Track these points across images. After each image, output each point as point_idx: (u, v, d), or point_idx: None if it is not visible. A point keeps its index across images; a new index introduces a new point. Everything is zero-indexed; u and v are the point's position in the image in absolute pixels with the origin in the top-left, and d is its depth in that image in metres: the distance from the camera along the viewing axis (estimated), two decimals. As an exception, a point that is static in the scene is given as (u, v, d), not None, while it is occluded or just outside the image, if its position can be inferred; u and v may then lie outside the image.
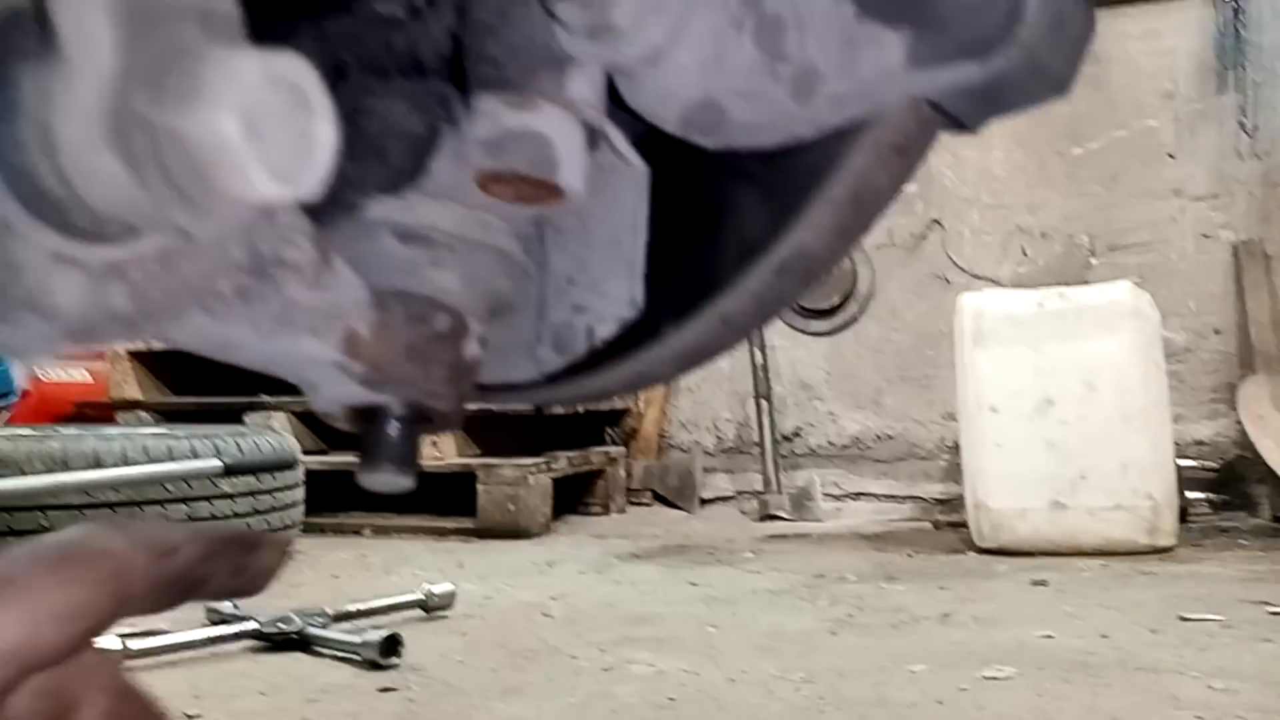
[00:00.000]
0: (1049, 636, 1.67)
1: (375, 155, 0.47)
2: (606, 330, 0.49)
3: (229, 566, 0.34)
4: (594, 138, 0.47)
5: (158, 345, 3.70)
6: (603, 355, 0.51)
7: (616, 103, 0.48)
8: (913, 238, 3.58)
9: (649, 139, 0.49)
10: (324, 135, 0.31)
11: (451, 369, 0.44)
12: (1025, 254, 3.46)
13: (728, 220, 0.49)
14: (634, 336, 0.50)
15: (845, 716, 1.28)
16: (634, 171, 0.48)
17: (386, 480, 0.44)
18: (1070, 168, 3.41)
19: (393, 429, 0.43)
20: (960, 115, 0.45)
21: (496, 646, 1.66)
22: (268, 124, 0.29)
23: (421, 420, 0.44)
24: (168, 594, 0.31)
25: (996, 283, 3.42)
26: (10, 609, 0.25)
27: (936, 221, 3.56)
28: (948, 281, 3.53)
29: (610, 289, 0.49)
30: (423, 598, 1.86)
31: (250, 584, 0.36)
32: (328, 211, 0.46)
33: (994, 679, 1.43)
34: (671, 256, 0.49)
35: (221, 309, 0.35)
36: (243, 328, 0.36)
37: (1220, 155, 3.24)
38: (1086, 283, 3.15)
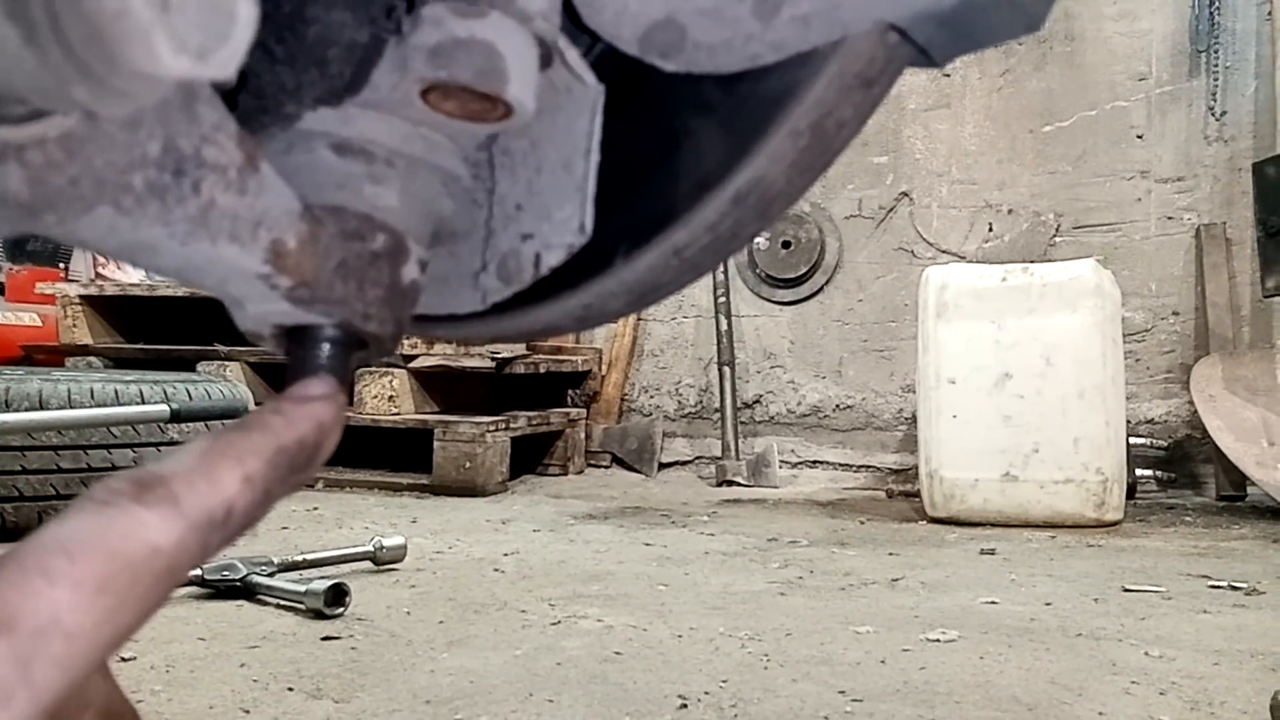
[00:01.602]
0: (994, 603, 1.69)
1: (314, 64, 0.44)
2: (554, 258, 0.47)
3: (285, 490, 0.30)
4: (547, 54, 0.44)
5: (111, 291, 3.61)
6: (550, 286, 0.49)
7: (572, 20, 0.46)
8: (881, 210, 3.59)
9: (604, 59, 0.46)
10: (242, 12, 0.29)
11: (388, 291, 0.42)
12: (991, 230, 3.47)
13: (684, 148, 0.47)
14: (583, 267, 0.49)
15: (788, 673, 1.29)
16: (588, 91, 0.46)
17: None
18: (1040, 145, 3.42)
19: (323, 351, 0.41)
20: (928, 45, 0.43)
21: (445, 600, 1.65)
22: None
23: (355, 344, 0.42)
24: (212, 554, 0.27)
25: (962, 258, 3.44)
26: (51, 658, 0.22)
27: (905, 194, 3.56)
28: (914, 255, 3.54)
29: (559, 215, 0.47)
30: (373, 550, 1.85)
31: (306, 481, 0.32)
32: (261, 120, 0.44)
33: (937, 641, 1.44)
34: (624, 184, 0.48)
35: (133, 206, 0.32)
36: (157, 229, 0.34)
37: (1188, 138, 3.27)
38: (1050, 260, 3.18)
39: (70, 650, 0.22)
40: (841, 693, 1.21)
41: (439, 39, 0.41)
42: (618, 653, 1.36)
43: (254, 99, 0.44)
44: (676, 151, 0.47)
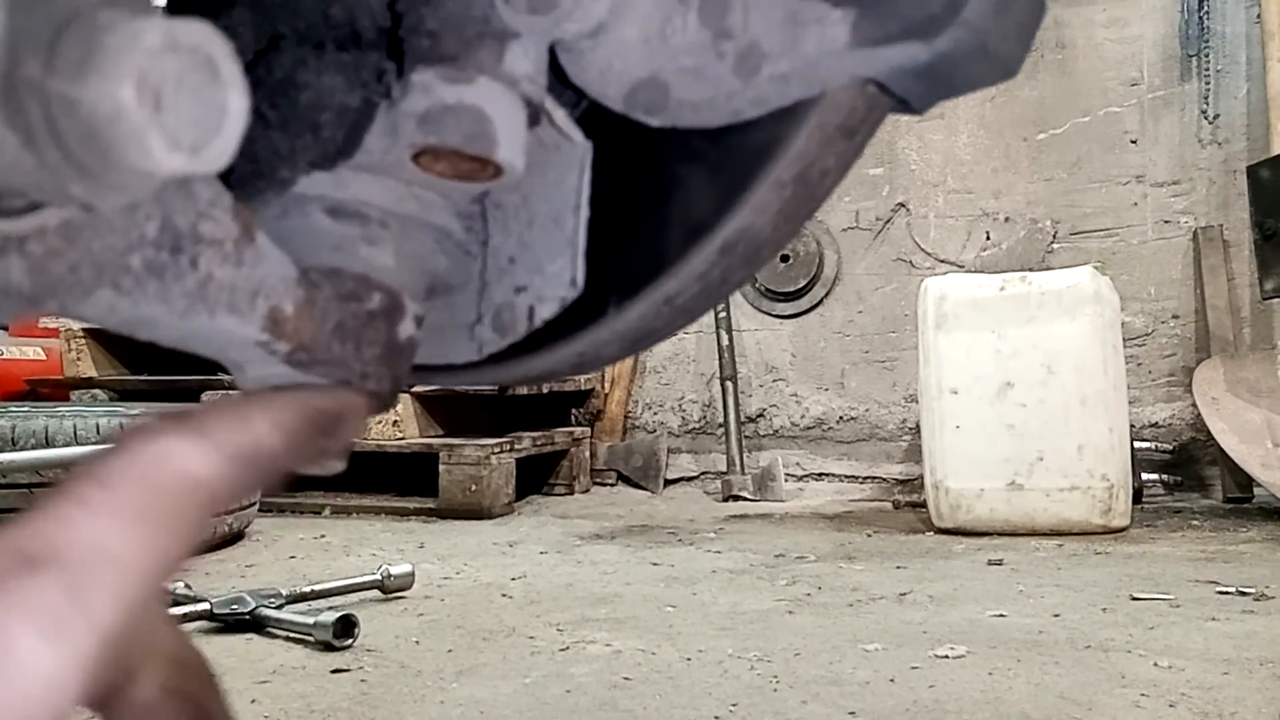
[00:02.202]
0: (1002, 615, 1.69)
1: (307, 129, 0.45)
2: (548, 310, 0.48)
3: (311, 450, 0.31)
4: (535, 114, 0.45)
5: (113, 321, 3.63)
6: (544, 336, 0.50)
7: (559, 78, 0.47)
8: (878, 221, 3.60)
9: (591, 116, 0.47)
10: (234, 106, 0.29)
11: (385, 349, 0.43)
12: (989, 238, 3.48)
13: (672, 200, 0.48)
14: (576, 317, 0.49)
15: (798, 694, 1.29)
16: (576, 148, 0.47)
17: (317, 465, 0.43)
18: (1035, 153, 3.43)
19: (323, 411, 0.42)
20: (907, 96, 0.44)
21: (454, 628, 1.65)
22: (171, 93, 0.28)
23: (354, 402, 0.43)
24: (243, 494, 0.28)
25: (960, 267, 3.45)
26: (102, 586, 0.22)
27: (902, 205, 3.57)
28: (912, 265, 3.55)
29: (551, 268, 0.48)
30: (380, 579, 1.85)
31: (330, 459, 0.33)
32: (256, 186, 0.45)
33: (946, 658, 1.44)
34: (614, 236, 0.48)
35: (132, 286, 0.33)
36: (156, 306, 0.35)
37: (1182, 142, 3.28)
38: (1049, 267, 3.19)
39: (119, 578, 0.22)
40: (851, 714, 1.21)
41: (428, 105, 0.42)
42: (627, 678, 1.37)
43: (249, 164, 0.45)
44: (665, 203, 0.48)
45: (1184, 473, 3.12)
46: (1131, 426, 2.70)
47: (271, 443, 0.28)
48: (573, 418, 3.87)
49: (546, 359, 0.51)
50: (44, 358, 4.12)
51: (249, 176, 0.45)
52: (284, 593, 1.69)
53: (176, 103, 0.28)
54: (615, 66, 0.45)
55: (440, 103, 0.42)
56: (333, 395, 0.34)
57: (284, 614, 1.59)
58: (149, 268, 0.34)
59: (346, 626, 1.51)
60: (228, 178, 0.39)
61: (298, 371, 0.40)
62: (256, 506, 2.52)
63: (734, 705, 1.25)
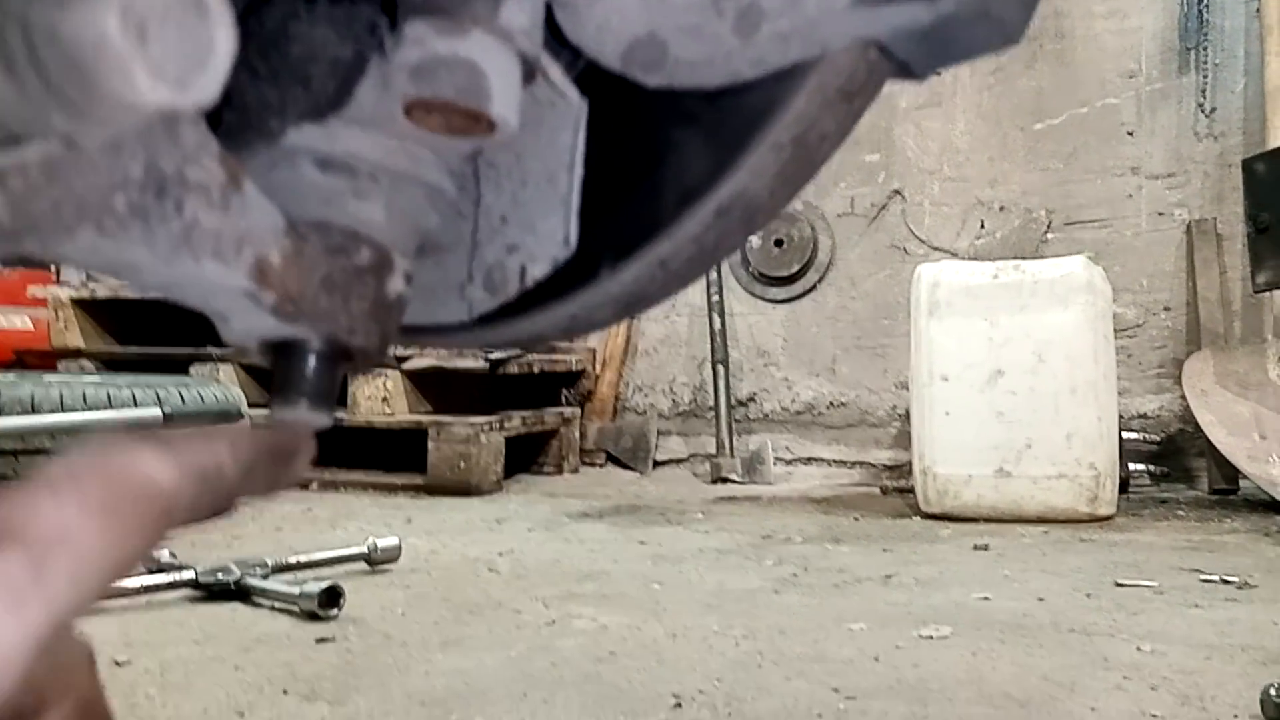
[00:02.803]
0: (986, 599, 1.70)
1: (298, 81, 0.45)
2: (539, 270, 0.48)
3: (265, 479, 0.32)
4: (530, 70, 0.45)
5: (103, 293, 3.61)
6: (536, 297, 0.49)
7: (554, 36, 0.46)
8: (873, 208, 3.59)
9: (587, 75, 0.47)
10: (220, 43, 0.29)
11: (373, 305, 0.43)
12: (983, 227, 3.48)
13: (667, 162, 0.47)
14: (569, 279, 0.49)
15: (782, 671, 1.29)
16: (571, 106, 0.46)
17: (302, 418, 0.42)
18: (1031, 142, 3.43)
19: (309, 365, 0.42)
20: (908, 60, 0.43)
21: (440, 600, 1.65)
22: (156, 26, 0.27)
23: (341, 357, 0.43)
24: (199, 517, 0.29)
25: (954, 255, 3.44)
26: (61, 568, 0.22)
27: (898, 192, 3.57)
28: (906, 252, 3.55)
29: (544, 227, 0.47)
30: (367, 551, 1.85)
31: (281, 488, 0.34)
32: (245, 137, 0.44)
33: (930, 638, 1.45)
34: (609, 197, 0.48)
35: (115, 227, 0.33)
36: (140, 249, 0.34)
37: (1178, 135, 3.28)
38: (1042, 257, 3.19)
39: (79, 565, 0.22)
40: (835, 690, 1.22)
41: (422, 57, 0.42)
42: (612, 652, 1.37)
43: (238, 115, 0.44)
44: (660, 165, 0.47)
45: (1170, 464, 3.14)
46: (1120, 417, 2.71)
47: (231, 468, 0.29)
48: (563, 398, 3.87)
49: (538, 320, 0.51)
50: (31, 328, 4.10)
51: (237, 127, 0.44)
52: (270, 563, 1.68)
53: (162, 35, 0.27)
54: (612, 23, 0.44)
55: (433, 55, 0.41)
56: (288, 432, 0.35)
57: (269, 584, 1.59)
58: (133, 210, 0.33)
59: (332, 597, 1.51)
60: (216, 128, 0.39)
61: (284, 324, 0.40)
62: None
63: (718, 680, 1.26)
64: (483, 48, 0.42)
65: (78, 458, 0.25)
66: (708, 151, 0.46)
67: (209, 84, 0.28)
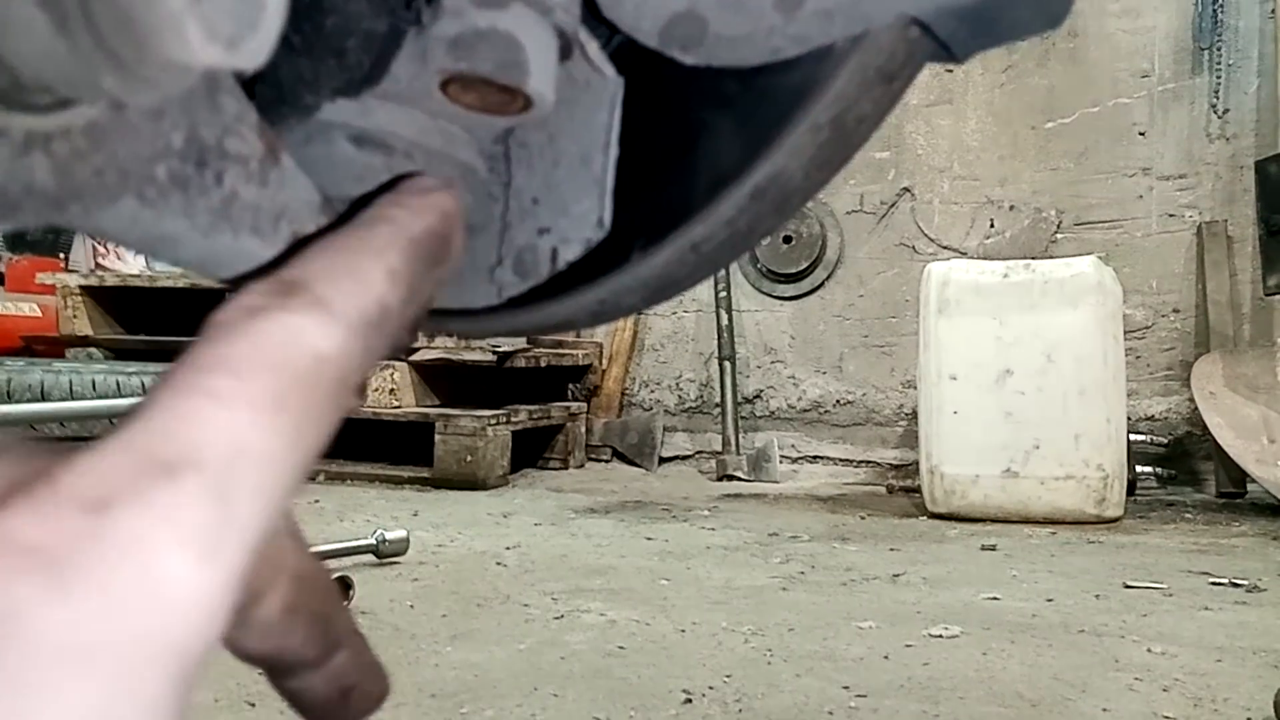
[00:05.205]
0: (995, 599, 1.69)
1: (332, 54, 0.44)
2: (571, 253, 0.47)
3: (428, 289, 0.27)
4: (566, 46, 0.44)
5: (111, 281, 3.61)
6: (566, 281, 0.48)
7: (591, 11, 0.46)
8: (883, 205, 3.58)
9: (623, 52, 0.46)
10: (272, 2, 0.28)
11: (406, 284, 0.42)
12: (993, 226, 3.47)
13: (701, 143, 0.47)
14: (600, 263, 0.48)
15: (792, 668, 1.29)
16: (607, 84, 0.45)
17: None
18: (1042, 141, 3.42)
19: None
20: (949, 40, 0.43)
21: (448, 593, 1.65)
22: None
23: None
24: (373, 372, 0.24)
25: (964, 254, 3.44)
26: (245, 492, 0.19)
27: (907, 190, 3.56)
28: (915, 251, 3.54)
29: (577, 209, 0.47)
30: (375, 543, 1.84)
31: (442, 289, 0.28)
32: (279, 111, 0.44)
33: (940, 637, 1.45)
34: (642, 179, 0.47)
35: (156, 197, 0.32)
36: (179, 221, 0.34)
37: (1190, 136, 3.27)
38: (1051, 257, 3.18)
39: (266, 481, 0.19)
40: (845, 688, 1.22)
41: (459, 30, 0.41)
42: (621, 647, 1.37)
43: (272, 90, 0.44)
44: (695, 146, 0.46)
45: (1178, 466, 3.13)
46: (1128, 418, 2.70)
47: (393, 298, 0.24)
48: (570, 393, 3.86)
49: (567, 305, 0.50)
50: (40, 315, 4.10)
51: (272, 101, 0.43)
52: (278, 553, 1.68)
53: None
54: (652, -1, 0.43)
55: (472, 28, 0.41)
56: (430, 207, 0.28)
57: (278, 574, 1.59)
58: (174, 179, 0.33)
59: (341, 588, 1.51)
60: (250, 101, 0.38)
61: None
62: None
63: (728, 676, 1.25)
64: (522, 21, 0.41)
65: (229, 344, 0.20)
66: (743, 132, 0.46)
67: (260, 46, 0.28)
